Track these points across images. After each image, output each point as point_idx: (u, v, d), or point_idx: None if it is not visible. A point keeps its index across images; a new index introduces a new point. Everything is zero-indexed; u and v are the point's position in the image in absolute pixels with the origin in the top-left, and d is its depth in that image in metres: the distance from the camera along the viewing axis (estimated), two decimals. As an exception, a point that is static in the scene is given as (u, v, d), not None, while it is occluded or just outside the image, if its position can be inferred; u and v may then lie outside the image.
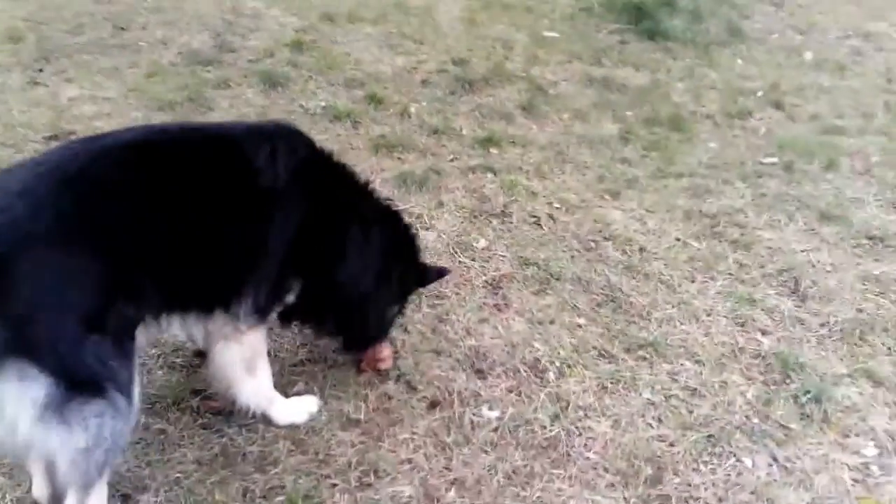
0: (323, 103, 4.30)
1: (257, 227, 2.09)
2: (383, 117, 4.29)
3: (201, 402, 2.39)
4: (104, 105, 4.01)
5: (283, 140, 2.18)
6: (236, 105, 4.18)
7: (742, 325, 3.01)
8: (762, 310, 3.10)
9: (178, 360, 2.55)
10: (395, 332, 2.71)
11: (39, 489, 1.93)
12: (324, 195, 2.24)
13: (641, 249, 3.41)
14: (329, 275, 2.29)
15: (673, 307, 3.07)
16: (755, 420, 2.57)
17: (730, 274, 3.31)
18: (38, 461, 1.89)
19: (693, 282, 3.25)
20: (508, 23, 6.03)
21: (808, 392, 2.68)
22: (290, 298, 2.27)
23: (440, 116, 4.37)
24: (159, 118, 3.92)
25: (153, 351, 2.56)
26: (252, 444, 2.29)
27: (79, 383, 1.72)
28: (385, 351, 2.59)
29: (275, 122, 2.49)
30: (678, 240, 3.51)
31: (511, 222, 3.51)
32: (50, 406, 1.69)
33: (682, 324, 3.00)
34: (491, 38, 5.64)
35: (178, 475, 2.16)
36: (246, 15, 5.39)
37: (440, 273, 2.72)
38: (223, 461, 2.21)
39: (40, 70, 4.30)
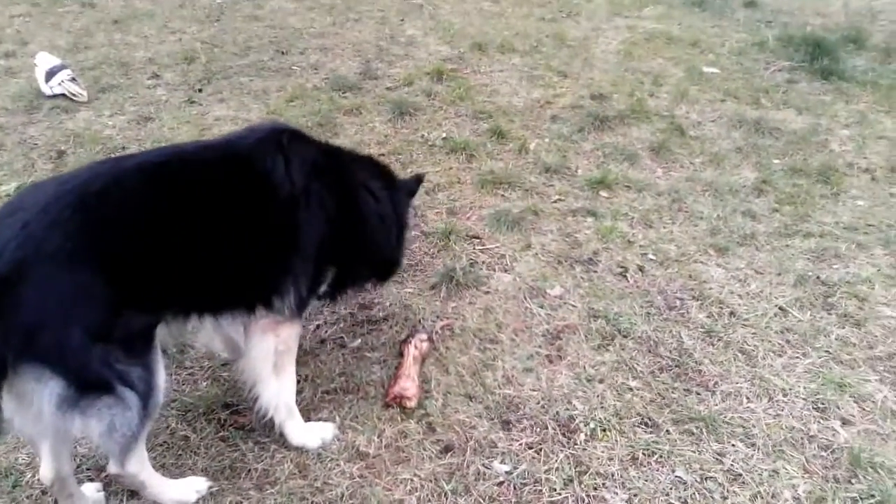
0: (444, 135, 4.40)
1: (287, 233, 2.30)
2: (500, 152, 4.31)
3: (230, 415, 2.56)
4: (242, 126, 4.37)
5: (290, 147, 2.37)
6: (361, 132, 4.39)
7: (821, 411, 2.70)
8: (852, 396, 2.76)
9: (224, 374, 2.75)
10: (432, 371, 2.74)
11: (46, 471, 2.18)
12: (335, 186, 2.45)
13: (731, 314, 3.16)
14: (359, 254, 2.58)
15: (745, 381, 2.82)
16: (797, 521, 2.31)
17: (827, 352, 2.97)
18: (49, 446, 2.14)
19: (780, 356, 2.95)
20: (667, 57, 5.81)
21: (873, 496, 2.36)
22: (325, 286, 2.51)
23: (559, 154, 4.31)
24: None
25: (205, 363, 2.78)
26: (260, 461, 2.41)
27: (88, 383, 1.94)
28: (412, 389, 2.63)
29: (273, 125, 2.66)
30: (779, 308, 3.20)
31: (595, 271, 3.39)
32: (66, 402, 1.92)
33: (749, 401, 2.74)
34: (641, 73, 5.46)
35: (183, 481, 2.35)
36: (400, 42, 5.63)
37: (418, 181, 2.97)
38: (228, 474, 2.36)
39: (199, 90, 4.78)
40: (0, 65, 5.05)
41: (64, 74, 4.67)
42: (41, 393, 1.90)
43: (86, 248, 1.95)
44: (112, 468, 2.13)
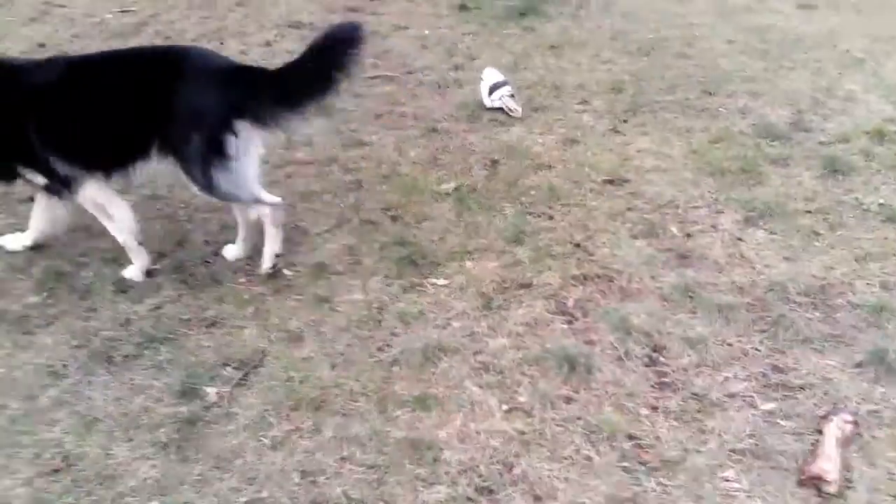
0: (881, 200, 3.99)
1: None
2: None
3: (633, 447, 2.59)
4: (662, 161, 4.41)
5: None
6: (787, 185, 4.16)
7: None
8: None
9: (629, 403, 2.78)
10: (855, 460, 2.50)
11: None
12: None
13: None
14: None
15: None
16: None
17: None
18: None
19: None
20: None
21: None
22: None
23: None
24: (708, 183, 4.16)
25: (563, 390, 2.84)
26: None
27: None
28: (833, 472, 2.41)
29: None
30: None
31: None
32: None
33: None
34: None
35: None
36: (837, 96, 5.24)
37: None
38: None
39: (624, 121, 4.91)
40: (451, 76, 5.68)
41: (505, 90, 5.10)
42: None
43: None
44: None
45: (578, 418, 2.70)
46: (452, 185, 4.20)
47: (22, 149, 3.23)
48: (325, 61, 3.14)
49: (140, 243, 3.42)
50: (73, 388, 2.82)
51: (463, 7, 7.42)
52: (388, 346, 3.05)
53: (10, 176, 3.40)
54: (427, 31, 6.70)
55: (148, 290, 3.33)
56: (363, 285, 3.39)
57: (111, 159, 3.29)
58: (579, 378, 2.87)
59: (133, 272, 3.42)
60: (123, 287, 3.35)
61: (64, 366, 2.92)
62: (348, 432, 2.63)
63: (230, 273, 3.46)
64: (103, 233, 3.47)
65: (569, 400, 2.77)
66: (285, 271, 3.46)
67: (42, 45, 6.00)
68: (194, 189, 3.29)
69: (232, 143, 3.12)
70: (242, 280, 3.42)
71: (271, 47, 6.22)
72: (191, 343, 3.04)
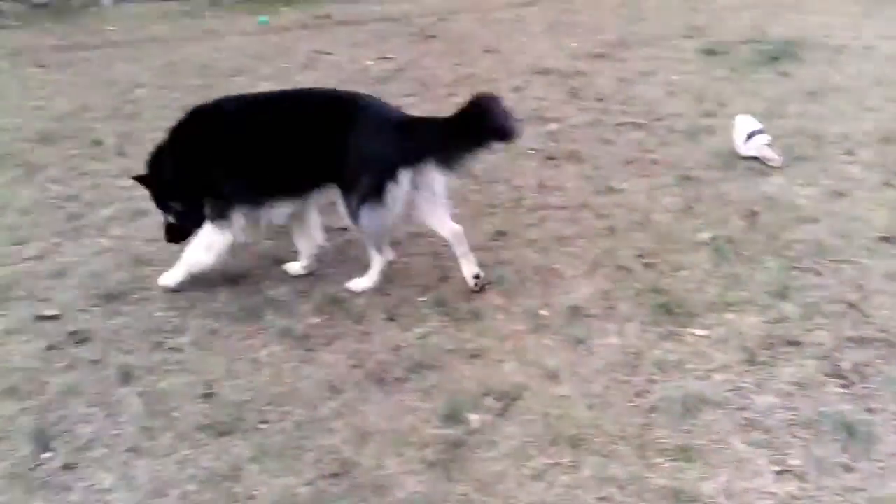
0: None
1: None
2: None
3: None
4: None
5: None
6: None
7: None
8: None
9: None
10: None
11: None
12: None
13: None
14: None
15: None
16: None
17: None
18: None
19: None
20: None
21: None
22: None
23: None
24: None
25: None
26: None
27: None
28: None
29: None
30: None
31: None
32: None
33: None
34: None
35: None
36: None
37: None
38: None
39: (903, 176, 4.56)
40: (701, 122, 5.59)
41: (762, 139, 4.94)
42: None
43: None
44: None
45: (860, 489, 2.52)
46: (708, 234, 4.12)
47: (206, 182, 3.80)
48: (477, 123, 3.53)
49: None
50: (350, 402, 3.08)
51: (710, 52, 7.31)
52: (646, 392, 3.04)
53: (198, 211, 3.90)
54: (674, 77, 6.66)
55: (415, 320, 3.58)
56: (619, 330, 3.41)
57: (283, 190, 3.81)
58: (859, 447, 2.67)
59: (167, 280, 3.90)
60: (392, 315, 3.63)
61: (342, 382, 3.20)
62: (607, 473, 2.64)
63: (490, 309, 3.62)
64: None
65: (848, 469, 2.59)
66: (542, 311, 3.57)
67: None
68: (342, 214, 3.77)
69: (391, 191, 3.57)
70: (501, 316, 3.57)
71: (520, 93, 6.47)
72: (455, 372, 3.22)
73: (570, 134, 5.73)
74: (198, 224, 3.87)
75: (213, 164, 3.79)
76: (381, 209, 3.60)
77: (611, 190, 4.71)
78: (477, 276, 3.73)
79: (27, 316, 3.72)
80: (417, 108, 5.52)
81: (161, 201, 3.97)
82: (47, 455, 2.83)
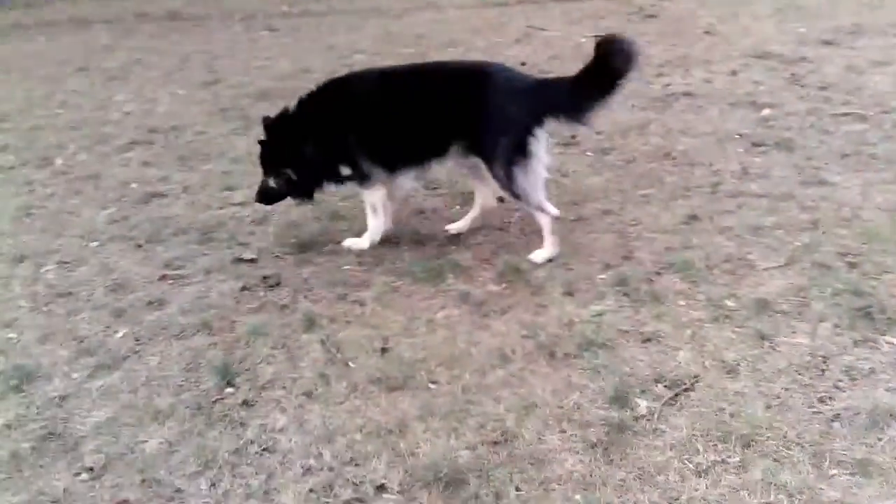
0: None
1: None
2: None
3: None
4: None
5: None
6: None
7: None
8: None
9: None
10: None
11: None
12: None
13: None
14: None
15: None
16: None
17: None
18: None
19: None
20: None
21: None
22: None
23: None
24: None
25: None
26: None
27: None
28: None
29: None
30: None
31: None
32: None
33: None
34: None
35: None
36: None
37: None
38: None
39: None
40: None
41: None
42: None
43: None
44: None
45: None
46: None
47: (343, 150, 3.99)
48: (606, 70, 3.63)
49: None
50: (517, 373, 3.10)
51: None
52: (830, 398, 2.81)
53: (336, 177, 4.10)
54: (914, 66, 6.01)
55: (593, 297, 3.54)
56: (810, 330, 3.17)
57: (413, 158, 3.98)
58: None
59: (356, 242, 4.13)
60: (570, 290, 3.61)
61: (512, 351, 3.22)
62: (777, 478, 2.48)
63: (671, 294, 3.50)
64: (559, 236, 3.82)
65: None
66: (727, 302, 3.39)
67: (523, 64, 6.72)
68: (494, 185, 3.91)
69: (532, 145, 3.71)
70: (682, 302, 3.44)
71: (736, 76, 6.13)
72: (626, 354, 3.15)
73: (783, 121, 5.36)
74: (299, 192, 4.14)
75: (349, 133, 3.95)
76: (529, 165, 3.74)
77: (821, 182, 4.36)
78: (550, 260, 3.88)
79: (227, 257, 4.10)
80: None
81: (274, 167, 4.12)
82: (230, 390, 3.10)
